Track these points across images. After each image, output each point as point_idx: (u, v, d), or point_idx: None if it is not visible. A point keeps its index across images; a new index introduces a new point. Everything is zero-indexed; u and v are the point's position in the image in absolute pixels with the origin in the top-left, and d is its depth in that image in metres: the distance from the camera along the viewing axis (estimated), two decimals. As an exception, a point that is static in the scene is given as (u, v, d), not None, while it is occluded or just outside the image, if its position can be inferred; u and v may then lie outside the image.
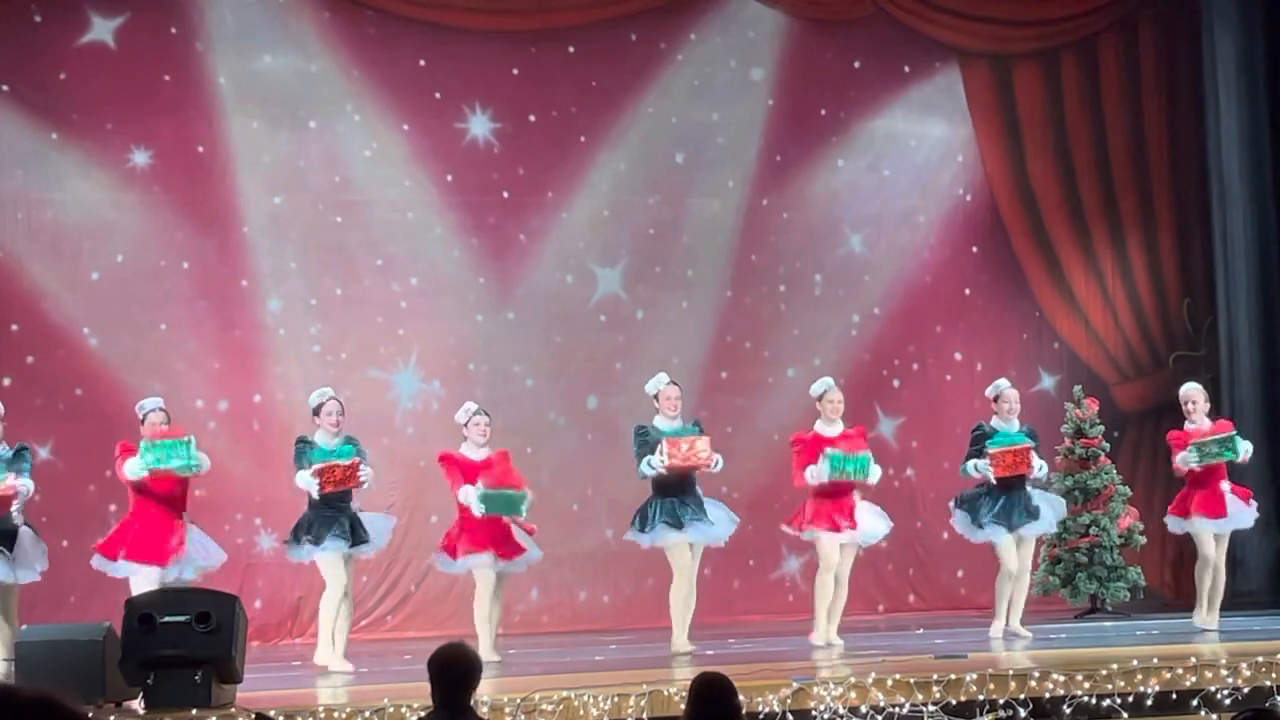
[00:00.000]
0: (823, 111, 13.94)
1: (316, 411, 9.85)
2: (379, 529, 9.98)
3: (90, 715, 7.31)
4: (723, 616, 12.32)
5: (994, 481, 10.49)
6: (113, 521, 10.37)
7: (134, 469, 9.35)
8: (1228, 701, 8.04)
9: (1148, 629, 11.14)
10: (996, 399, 10.82)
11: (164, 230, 12.54)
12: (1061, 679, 7.98)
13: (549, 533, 11.28)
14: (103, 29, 12.47)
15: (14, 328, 12.17)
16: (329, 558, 9.59)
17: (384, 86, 13.00)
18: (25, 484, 9.54)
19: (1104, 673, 8.05)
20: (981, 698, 7.85)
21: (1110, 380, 14.25)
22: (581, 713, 7.50)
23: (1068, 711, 7.93)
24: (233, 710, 7.44)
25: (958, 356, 14.13)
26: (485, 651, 9.26)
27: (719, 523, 10.26)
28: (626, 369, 13.13)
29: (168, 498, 9.48)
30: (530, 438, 12.54)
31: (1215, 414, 11.45)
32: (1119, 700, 8.00)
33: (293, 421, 11.45)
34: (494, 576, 9.99)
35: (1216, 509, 10.66)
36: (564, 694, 7.55)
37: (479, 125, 13.25)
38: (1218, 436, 10.69)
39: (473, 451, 10.10)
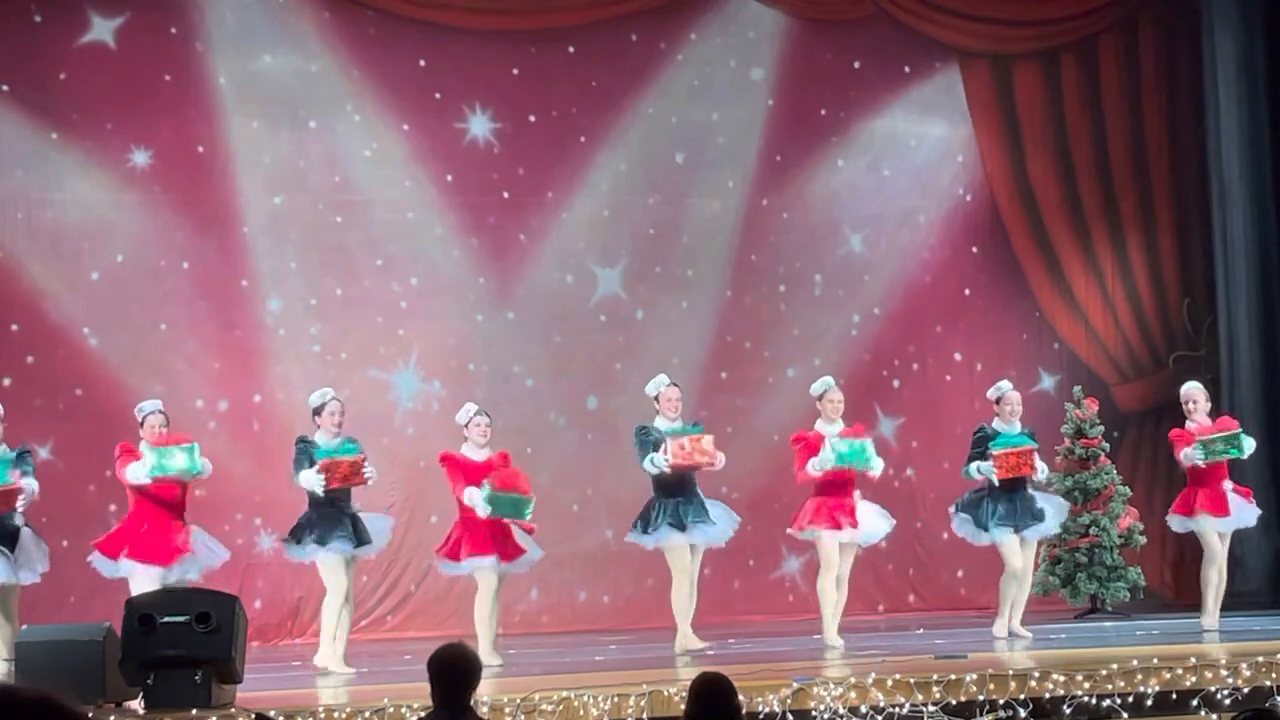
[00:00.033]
0: (823, 111, 13.94)
1: (318, 412, 9.83)
2: (379, 529, 9.98)
3: (90, 715, 7.31)
4: (723, 616, 12.31)
5: (996, 483, 10.48)
6: (113, 521, 10.37)
7: (137, 474, 9.34)
8: (1228, 702, 8.03)
9: (1148, 629, 11.14)
10: (998, 401, 10.81)
11: (164, 230, 12.54)
12: (1061, 679, 7.98)
13: (549, 533, 11.27)
14: (103, 29, 12.47)
15: (14, 328, 12.17)
16: (331, 561, 9.56)
17: (384, 86, 13.00)
18: (31, 483, 9.55)
19: (1104, 673, 8.05)
20: (981, 698, 7.85)
21: (1110, 380, 14.25)
22: (581, 713, 7.50)
23: (1068, 712, 7.92)
24: (233, 710, 7.44)
25: (958, 357, 14.13)
26: (485, 653, 9.24)
27: (720, 523, 10.27)
28: (626, 369, 13.13)
29: (169, 500, 9.48)
30: (530, 438, 12.54)
31: (1216, 413, 11.43)
32: (1119, 700, 8.00)
33: (293, 421, 11.45)
34: (496, 578, 9.98)
35: (1220, 508, 10.66)
36: (564, 694, 7.55)
37: (479, 125, 13.26)
38: (1224, 434, 10.68)
39: (473, 452, 10.10)
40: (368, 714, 7.35)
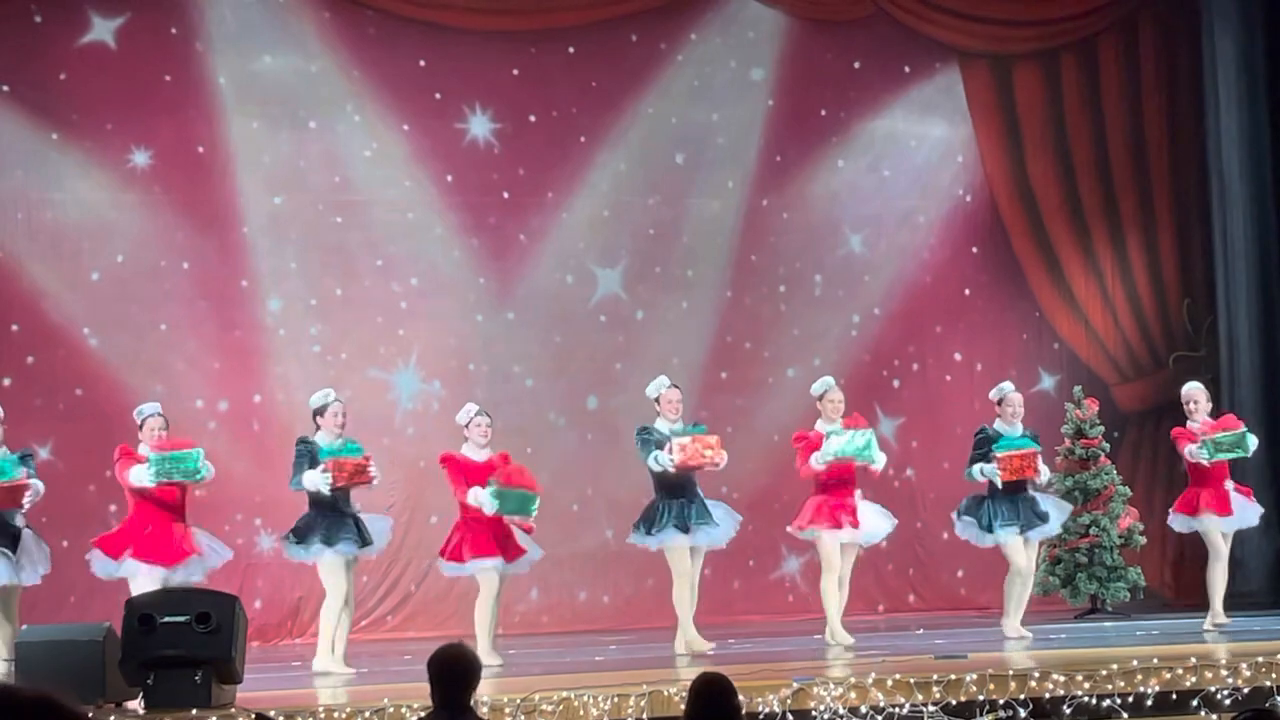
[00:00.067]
0: (823, 112, 13.94)
1: (320, 413, 9.80)
2: (378, 530, 9.97)
3: (90, 716, 7.31)
4: (723, 617, 12.31)
5: (1000, 486, 10.47)
6: (113, 522, 10.38)
7: (141, 478, 9.32)
8: (1228, 702, 8.03)
9: (1148, 629, 11.14)
10: (1000, 402, 10.80)
11: (164, 230, 12.54)
12: (1061, 679, 7.97)
13: (549, 533, 11.27)
14: (103, 29, 12.47)
15: (14, 328, 12.17)
16: (333, 563, 9.55)
17: (384, 86, 13.01)
18: (37, 483, 9.56)
19: (1104, 673, 8.04)
20: (981, 698, 7.85)
21: (1110, 381, 14.25)
22: (581, 713, 7.50)
23: (1068, 712, 7.92)
24: (233, 711, 7.44)
25: (958, 357, 14.13)
26: (485, 654, 9.24)
27: (723, 524, 10.25)
28: (626, 369, 13.13)
29: (169, 502, 9.47)
30: (530, 438, 12.53)
31: (1217, 413, 11.41)
32: (1119, 700, 7.99)
33: (293, 421, 11.45)
34: (498, 580, 9.97)
35: (1224, 507, 10.66)
36: (564, 694, 7.55)
37: (479, 125, 13.26)
38: (1229, 433, 10.66)
39: (474, 452, 10.09)
40: (368, 714, 7.35)
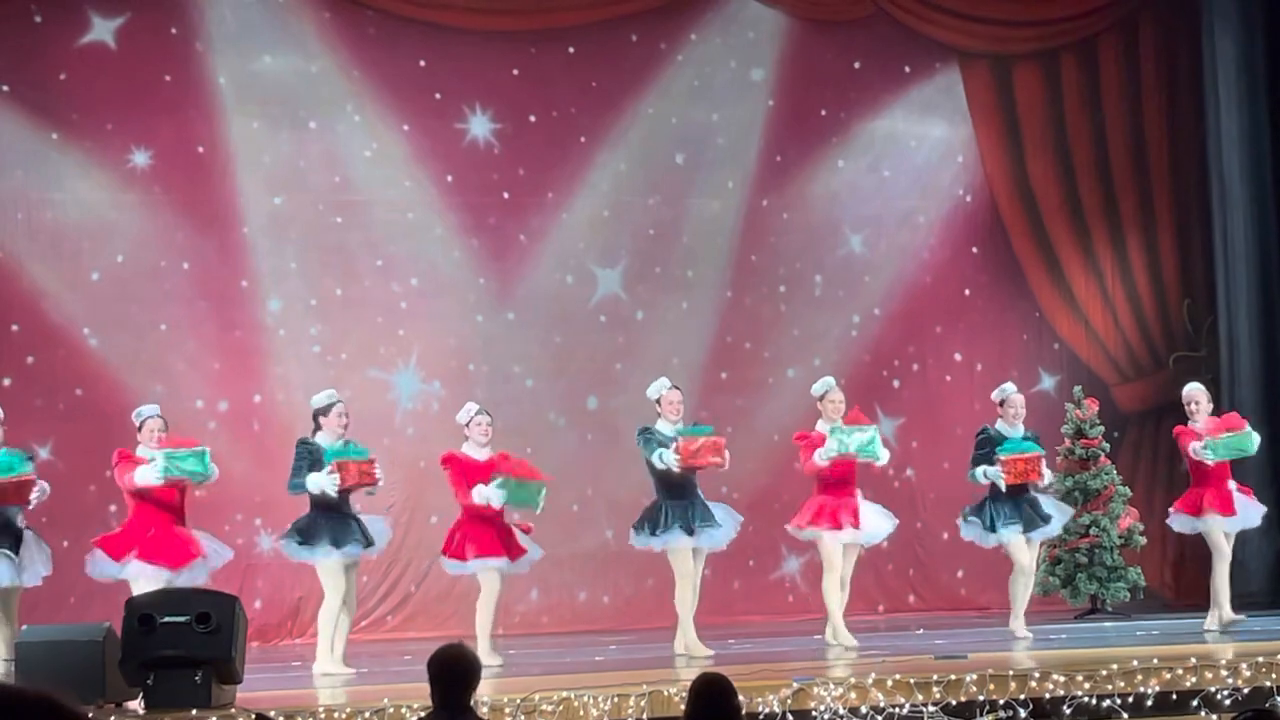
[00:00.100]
0: (823, 112, 13.94)
1: (325, 412, 9.76)
2: (378, 531, 9.96)
3: (91, 716, 7.31)
4: (723, 617, 12.30)
5: (1004, 489, 10.46)
6: (113, 522, 10.37)
7: (148, 476, 9.30)
8: (1228, 702, 8.03)
9: (1148, 629, 11.14)
10: (1002, 403, 10.79)
11: (164, 230, 12.54)
12: (1062, 679, 7.97)
13: (549, 533, 11.27)
14: (103, 29, 12.47)
15: (14, 328, 12.17)
16: (332, 566, 9.53)
17: (384, 87, 13.01)
18: (44, 483, 9.55)
19: (1104, 673, 8.05)
20: (981, 698, 7.85)
21: (1110, 381, 14.25)
22: (581, 713, 7.50)
23: (1068, 712, 7.92)
24: (233, 711, 7.44)
25: (958, 357, 14.13)
26: (484, 654, 9.23)
27: (725, 526, 10.22)
28: (626, 369, 13.13)
29: (171, 504, 9.46)
30: (530, 438, 12.53)
31: (1217, 413, 11.39)
32: (1119, 701, 7.99)
33: (293, 422, 11.45)
34: (500, 580, 9.96)
35: (1228, 507, 10.64)
36: (564, 694, 7.55)
37: (479, 125, 13.26)
38: (1233, 434, 10.65)
39: (475, 451, 10.08)
40: (368, 714, 7.35)
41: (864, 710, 7.72)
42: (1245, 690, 8.11)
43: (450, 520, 10.23)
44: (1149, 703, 8.01)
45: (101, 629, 7.77)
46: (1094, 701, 7.96)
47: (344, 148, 13.02)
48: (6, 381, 12.00)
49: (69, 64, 12.36)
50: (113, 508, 11.02)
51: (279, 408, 12.52)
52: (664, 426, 10.16)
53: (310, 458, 9.59)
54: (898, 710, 7.73)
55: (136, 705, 7.60)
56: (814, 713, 7.69)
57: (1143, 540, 12.79)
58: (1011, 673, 8.04)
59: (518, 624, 12.42)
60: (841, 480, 10.34)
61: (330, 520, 9.54)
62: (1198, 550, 11.66)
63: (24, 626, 8.82)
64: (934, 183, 14.21)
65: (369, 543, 9.71)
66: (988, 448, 10.60)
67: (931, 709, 7.76)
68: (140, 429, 9.59)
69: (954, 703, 7.81)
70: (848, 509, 10.29)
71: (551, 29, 13.42)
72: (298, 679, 9.49)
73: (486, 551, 9.86)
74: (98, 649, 7.60)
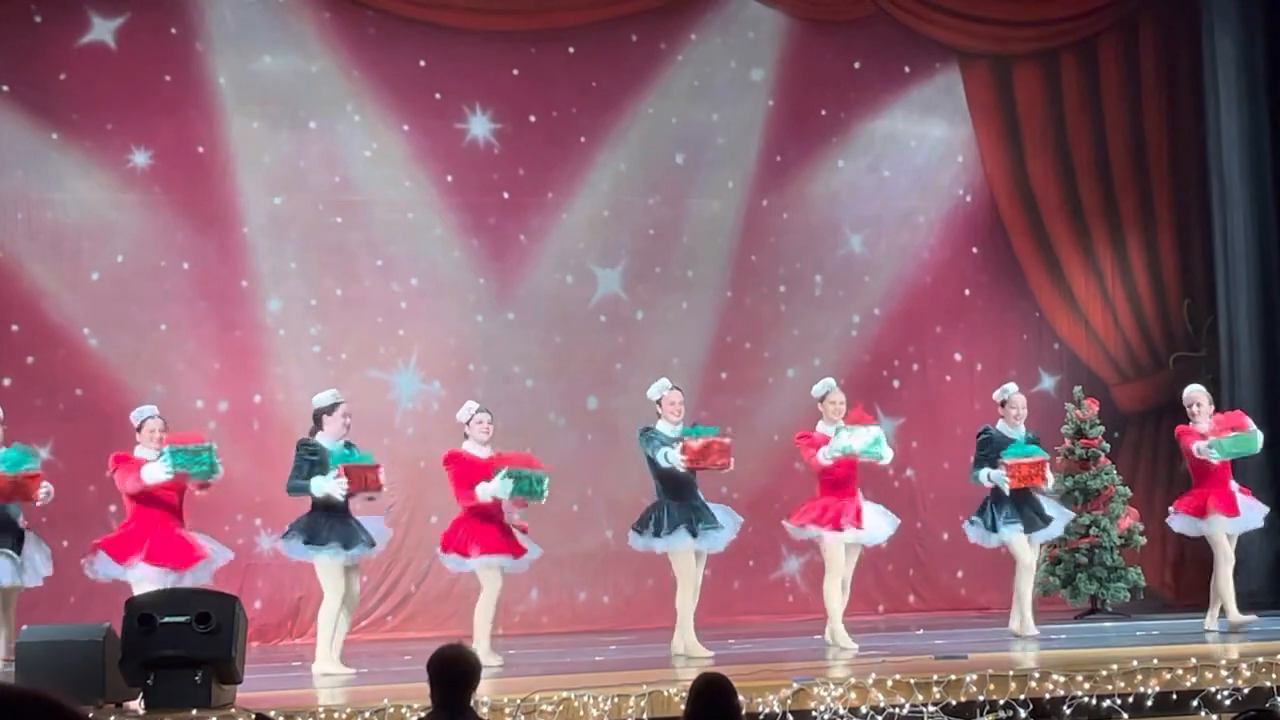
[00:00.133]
0: (823, 112, 13.94)
1: (329, 412, 9.72)
2: (377, 531, 9.95)
3: (91, 716, 7.30)
4: (723, 617, 12.30)
5: (1007, 492, 10.45)
6: (113, 522, 10.36)
7: (156, 474, 9.28)
8: (1228, 702, 8.03)
9: (1148, 629, 11.14)
10: (1004, 403, 10.77)
11: (164, 230, 12.54)
12: (1062, 679, 7.97)
13: (549, 533, 11.28)
14: (103, 29, 12.48)
15: (14, 328, 12.17)
16: (333, 566, 9.53)
17: (384, 86, 13.01)
18: (48, 484, 9.55)
19: (1104, 673, 8.05)
20: (982, 698, 7.85)
21: (1110, 381, 14.25)
22: (581, 713, 7.50)
23: (1068, 712, 7.92)
24: (233, 711, 7.44)
25: (958, 357, 14.13)
26: (484, 654, 9.21)
27: (726, 528, 10.20)
28: (626, 369, 13.13)
29: (171, 505, 9.45)
30: (530, 438, 12.50)
31: (1220, 412, 11.36)
32: (1119, 701, 7.99)
33: (293, 421, 11.45)
34: (501, 579, 9.95)
35: (1231, 508, 10.62)
36: (564, 694, 7.55)
37: (479, 125, 13.26)
38: (1238, 433, 10.62)
39: (476, 450, 10.07)
40: (368, 714, 7.35)
41: (864, 710, 7.72)
42: (1245, 690, 8.11)
43: (450, 520, 10.21)
44: (1149, 703, 8.01)
45: (101, 629, 7.77)
46: (1094, 702, 7.96)
47: (344, 148, 13.02)
48: (6, 381, 12.00)
49: (69, 64, 12.36)
50: (113, 508, 11.01)
51: (279, 408, 12.52)
52: (664, 427, 10.14)
53: (313, 459, 9.57)
54: (898, 710, 7.73)
55: (136, 705, 7.60)
56: (814, 713, 7.69)
57: (1143, 540, 12.80)
58: (1011, 673, 8.04)
59: (518, 624, 12.41)
60: (843, 480, 10.32)
61: (334, 520, 9.53)
62: (1198, 550, 11.65)
63: (24, 626, 8.81)
64: (934, 183, 14.21)
65: (372, 543, 9.72)
66: (989, 449, 10.60)
67: (931, 709, 7.76)
68: (140, 429, 9.58)
69: (954, 703, 7.81)
70: (850, 510, 10.27)
71: (551, 29, 13.42)
72: (298, 679, 9.48)
73: (491, 549, 9.85)
74: (98, 649, 7.59)
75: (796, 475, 12.31)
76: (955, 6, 14.12)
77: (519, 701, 7.47)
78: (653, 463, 10.08)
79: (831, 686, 7.78)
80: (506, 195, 13.29)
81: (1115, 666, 8.11)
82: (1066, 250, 14.29)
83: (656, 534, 10.01)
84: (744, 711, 6.05)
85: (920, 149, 14.17)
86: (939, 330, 14.11)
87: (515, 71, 13.32)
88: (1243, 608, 10.72)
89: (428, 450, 12.05)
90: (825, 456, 10.16)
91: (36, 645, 7.74)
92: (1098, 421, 12.92)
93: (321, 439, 9.70)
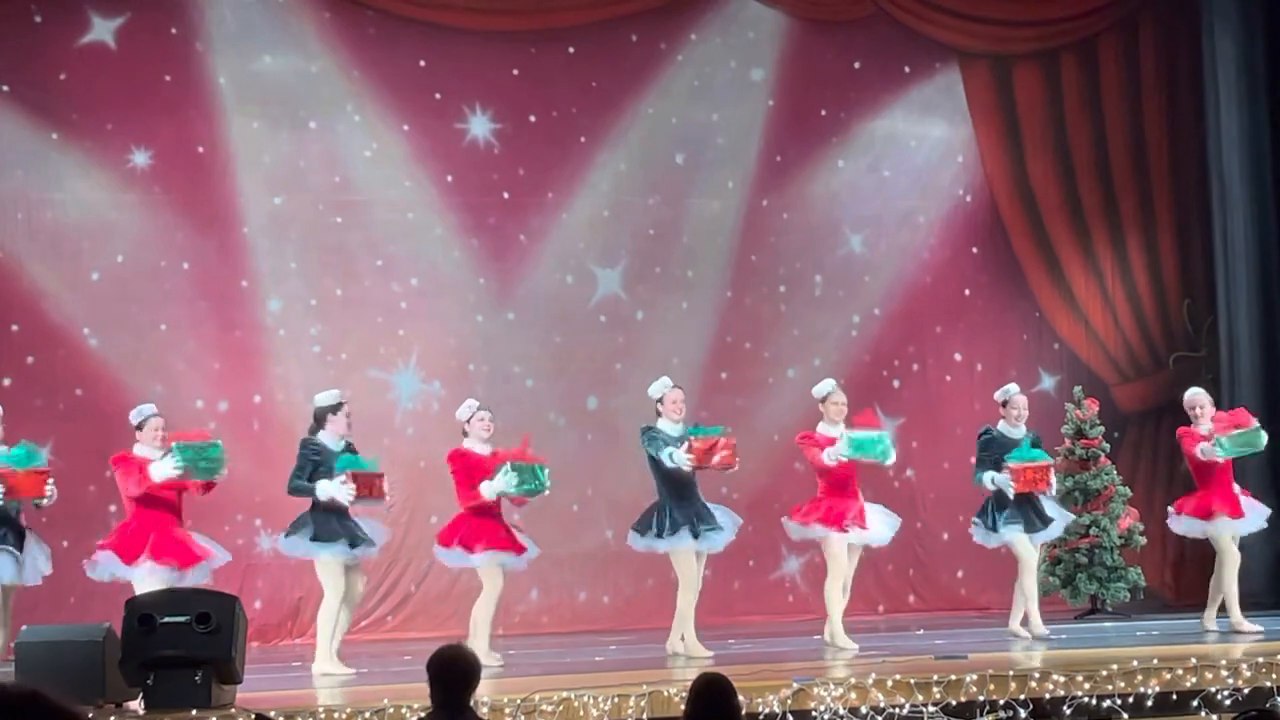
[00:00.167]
0: (823, 112, 13.94)
1: (334, 411, 9.72)
2: (375, 532, 9.95)
3: (90, 716, 7.30)
4: (723, 617, 12.30)
5: (1011, 497, 10.44)
6: (113, 522, 10.35)
7: (165, 471, 9.26)
8: (1228, 702, 8.03)
9: (1148, 629, 11.15)
10: (1005, 404, 10.75)
11: (164, 230, 12.54)
12: (1062, 679, 7.98)
13: (549, 532, 11.27)
14: (103, 29, 12.47)
15: (14, 328, 12.17)
16: (333, 566, 9.53)
17: (384, 87, 13.01)
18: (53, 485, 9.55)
19: (1104, 673, 8.05)
20: (982, 698, 7.85)
21: (1110, 381, 14.25)
22: (581, 713, 7.50)
23: (1068, 712, 7.92)
24: (232, 711, 7.43)
25: (958, 357, 14.13)
26: (483, 655, 9.19)
27: (725, 529, 10.19)
28: (626, 369, 13.13)
29: (173, 505, 9.45)
30: (530, 439, 12.51)
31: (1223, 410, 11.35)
32: (1119, 701, 8.00)
33: (293, 421, 11.45)
34: (503, 578, 9.93)
35: (1236, 509, 10.60)
36: (564, 694, 7.55)
37: (479, 126, 13.26)
38: (1243, 430, 10.60)
39: (478, 448, 10.06)
40: (368, 714, 7.35)
41: (864, 710, 7.72)
42: (1245, 690, 8.11)
43: (448, 520, 10.19)
44: (1149, 703, 8.02)
45: (101, 629, 7.77)
46: (1094, 702, 7.96)
47: (344, 148, 13.02)
48: (6, 381, 12.00)
49: (69, 64, 12.36)
50: (112, 508, 11.01)
51: (279, 408, 12.52)
52: (666, 426, 10.13)
53: (315, 460, 9.56)
54: (898, 710, 7.73)
55: (136, 705, 7.59)
56: (814, 713, 7.69)
57: (1143, 540, 12.80)
58: (1011, 673, 8.04)
59: (518, 624, 12.41)
60: (845, 481, 10.30)
61: (337, 519, 9.54)
62: (1198, 550, 11.65)
63: (24, 626, 8.81)
64: (934, 183, 14.21)
65: (372, 543, 9.74)
66: (991, 450, 10.57)
67: (931, 709, 7.76)
68: (141, 428, 9.55)
69: (954, 703, 7.81)
70: (854, 510, 10.27)
71: (551, 29, 13.42)
72: (298, 679, 9.48)
73: (496, 544, 9.83)
74: (98, 649, 7.59)
75: (796, 475, 12.31)
76: (955, 6, 14.12)
77: (519, 701, 7.47)
78: (655, 462, 10.06)
79: (831, 686, 7.78)
80: (506, 195, 13.28)
81: (1115, 666, 8.11)
82: (1066, 250, 14.29)
83: (659, 535, 10.00)
84: (744, 711, 6.05)
85: (920, 149, 14.17)
86: (939, 330, 14.11)
87: (515, 71, 13.32)
88: (1242, 608, 10.69)
89: (428, 450, 12.06)
90: (830, 458, 10.14)
91: (36, 645, 7.74)
92: (1098, 421, 12.92)
93: (323, 438, 9.69)
